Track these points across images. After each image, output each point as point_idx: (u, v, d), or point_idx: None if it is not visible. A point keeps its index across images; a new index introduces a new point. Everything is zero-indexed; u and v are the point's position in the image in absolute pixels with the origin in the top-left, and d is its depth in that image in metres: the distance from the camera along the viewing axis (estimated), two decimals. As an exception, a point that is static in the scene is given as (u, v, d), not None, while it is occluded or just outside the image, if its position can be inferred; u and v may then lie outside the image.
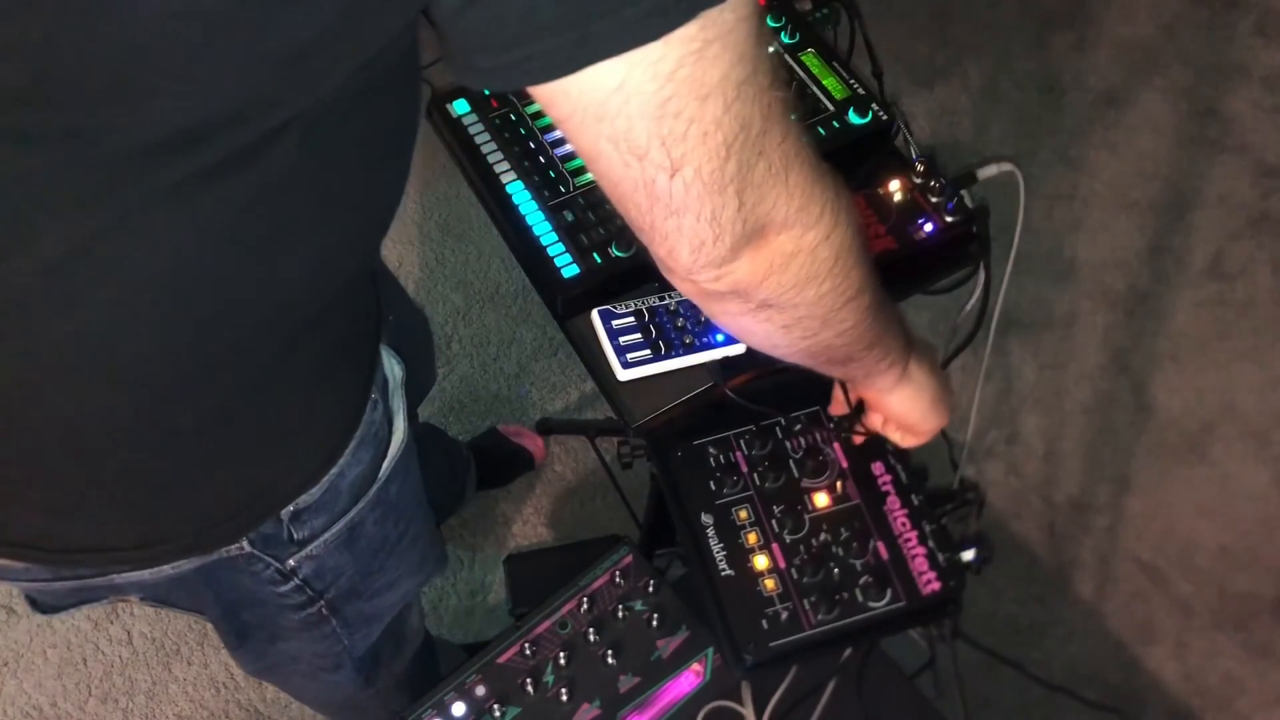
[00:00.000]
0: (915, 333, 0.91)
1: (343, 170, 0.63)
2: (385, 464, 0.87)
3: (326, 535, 0.85)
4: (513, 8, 0.50)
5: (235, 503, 0.79)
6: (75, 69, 0.50)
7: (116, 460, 0.72)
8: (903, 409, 0.93)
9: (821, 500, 1.06)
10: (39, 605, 0.90)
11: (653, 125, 0.53)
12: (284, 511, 0.81)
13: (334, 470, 0.81)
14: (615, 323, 1.05)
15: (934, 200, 1.10)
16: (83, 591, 0.84)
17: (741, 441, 1.10)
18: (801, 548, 1.03)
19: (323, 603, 0.92)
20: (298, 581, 0.87)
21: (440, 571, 1.14)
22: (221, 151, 0.56)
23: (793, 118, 0.59)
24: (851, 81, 1.18)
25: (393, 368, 0.87)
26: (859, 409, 1.05)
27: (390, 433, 0.87)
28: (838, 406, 1.07)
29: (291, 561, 0.85)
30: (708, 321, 1.05)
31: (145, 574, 0.81)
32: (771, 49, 1.11)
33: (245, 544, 0.81)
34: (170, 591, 0.87)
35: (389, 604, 1.04)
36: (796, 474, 1.08)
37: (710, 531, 1.04)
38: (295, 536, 0.83)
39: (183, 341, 0.65)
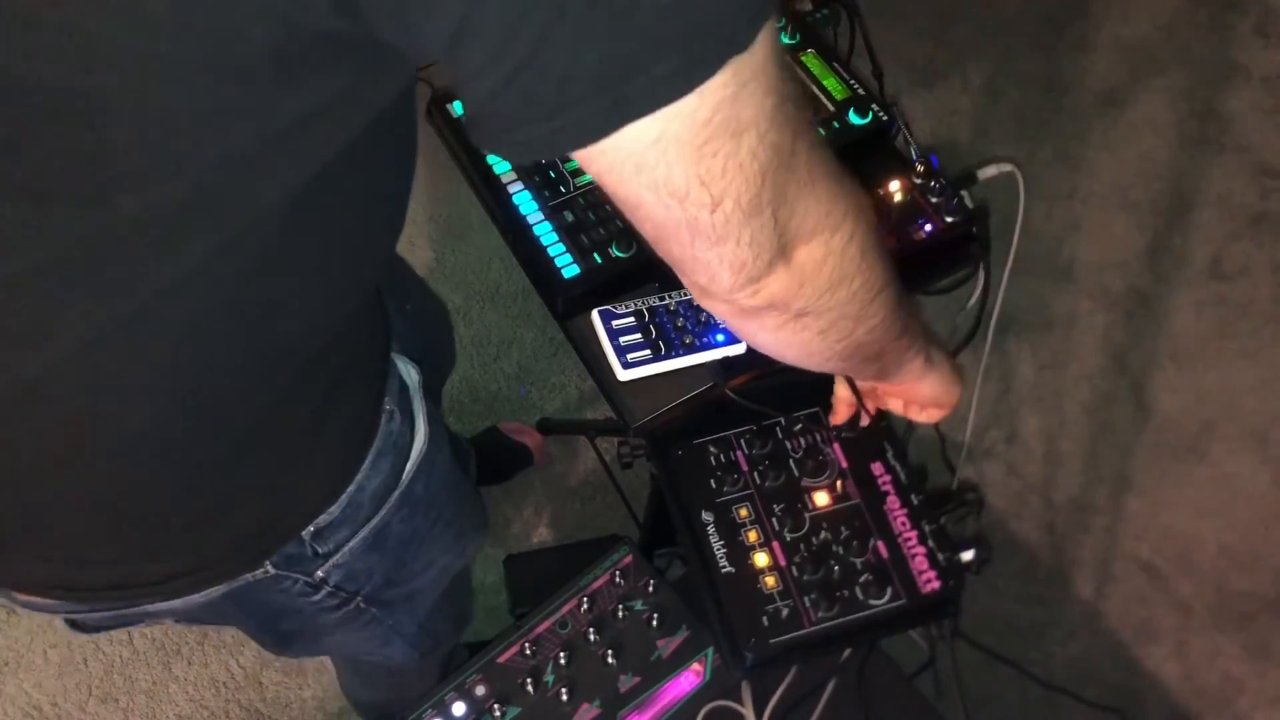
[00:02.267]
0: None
1: (344, 221, 0.65)
2: (408, 468, 0.88)
3: (352, 544, 0.86)
4: (547, 82, 0.50)
5: (252, 534, 0.81)
6: (102, 148, 0.52)
7: (132, 512, 0.74)
8: (935, 390, 0.93)
9: (821, 499, 1.06)
10: (79, 626, 0.91)
11: (692, 169, 0.53)
12: (304, 532, 0.82)
13: (351, 487, 0.82)
14: (615, 323, 1.05)
15: (934, 200, 1.10)
16: (118, 618, 0.86)
17: (742, 441, 1.10)
18: (802, 546, 1.03)
19: (359, 599, 0.93)
20: (330, 589, 0.88)
21: (483, 540, 1.15)
22: (232, 224, 0.57)
23: (813, 126, 0.60)
24: (852, 82, 1.18)
25: (409, 372, 0.88)
26: (859, 404, 1.05)
27: (412, 437, 0.88)
28: (841, 414, 1.07)
29: (320, 573, 0.86)
30: (708, 321, 1.06)
31: (175, 603, 0.82)
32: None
33: (269, 567, 0.83)
34: (204, 614, 0.88)
35: (429, 580, 1.05)
36: (797, 473, 1.08)
37: (711, 529, 1.05)
38: (320, 551, 0.84)
39: (188, 400, 0.67)
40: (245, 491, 0.78)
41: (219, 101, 0.52)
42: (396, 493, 0.87)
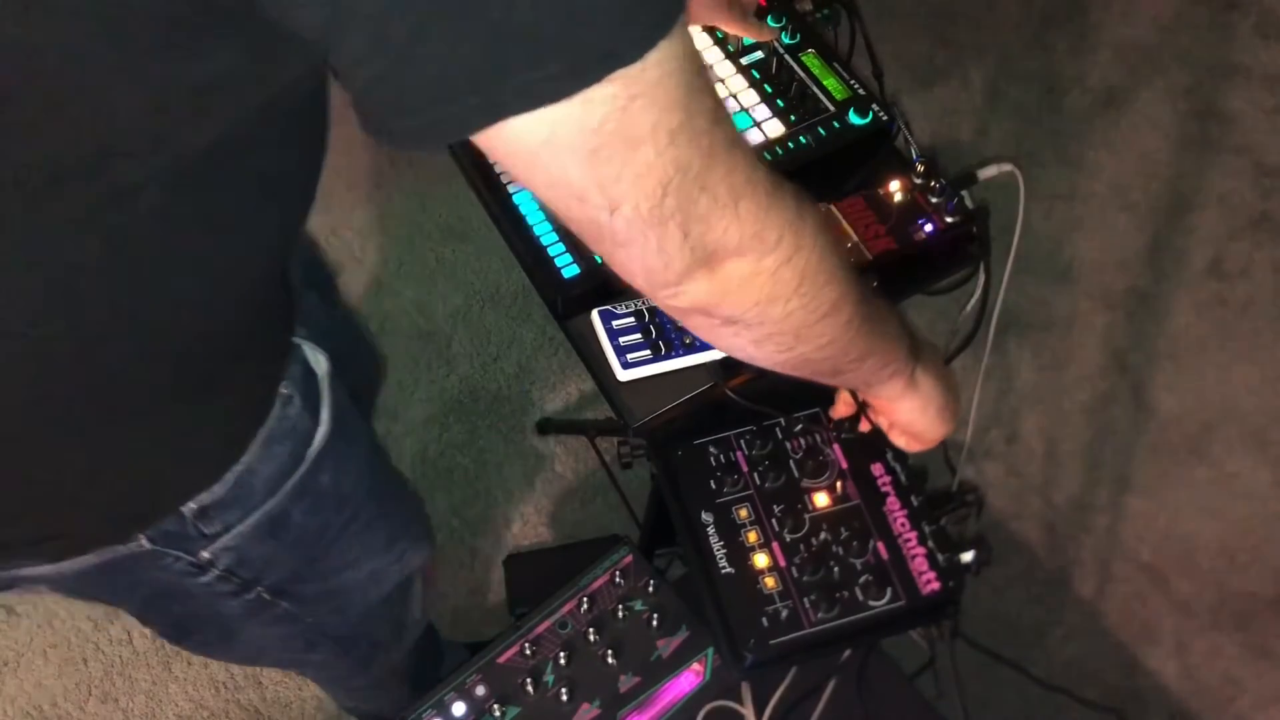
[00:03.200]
0: (922, 338, 0.91)
1: (231, 202, 0.65)
2: (308, 456, 0.86)
3: (240, 528, 0.84)
4: (423, 79, 0.51)
5: (122, 505, 0.79)
6: None
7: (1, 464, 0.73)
8: (909, 417, 0.96)
9: (821, 500, 1.06)
10: None
11: (587, 171, 0.55)
12: (186, 509, 0.81)
13: (238, 468, 0.80)
14: (615, 323, 1.05)
15: (934, 201, 1.10)
16: None
17: (742, 441, 1.10)
18: (801, 546, 1.03)
19: (261, 589, 0.92)
20: (219, 571, 0.87)
21: (422, 551, 1.14)
22: (108, 184, 0.57)
23: (740, 147, 0.61)
24: (852, 82, 1.18)
25: (317, 360, 0.87)
26: (861, 409, 1.05)
27: (315, 425, 0.86)
28: (841, 410, 1.07)
29: (205, 554, 0.85)
30: (708, 321, 1.06)
31: (45, 569, 0.81)
32: (761, 56, 1.10)
33: (145, 541, 0.81)
34: (80, 585, 0.86)
35: (355, 582, 1.03)
36: (797, 474, 1.08)
37: (710, 530, 1.05)
38: (205, 531, 0.83)
39: (65, 361, 0.66)
40: (115, 460, 0.76)
41: (102, 63, 0.52)
42: (292, 480, 0.85)
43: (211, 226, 0.65)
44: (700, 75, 0.57)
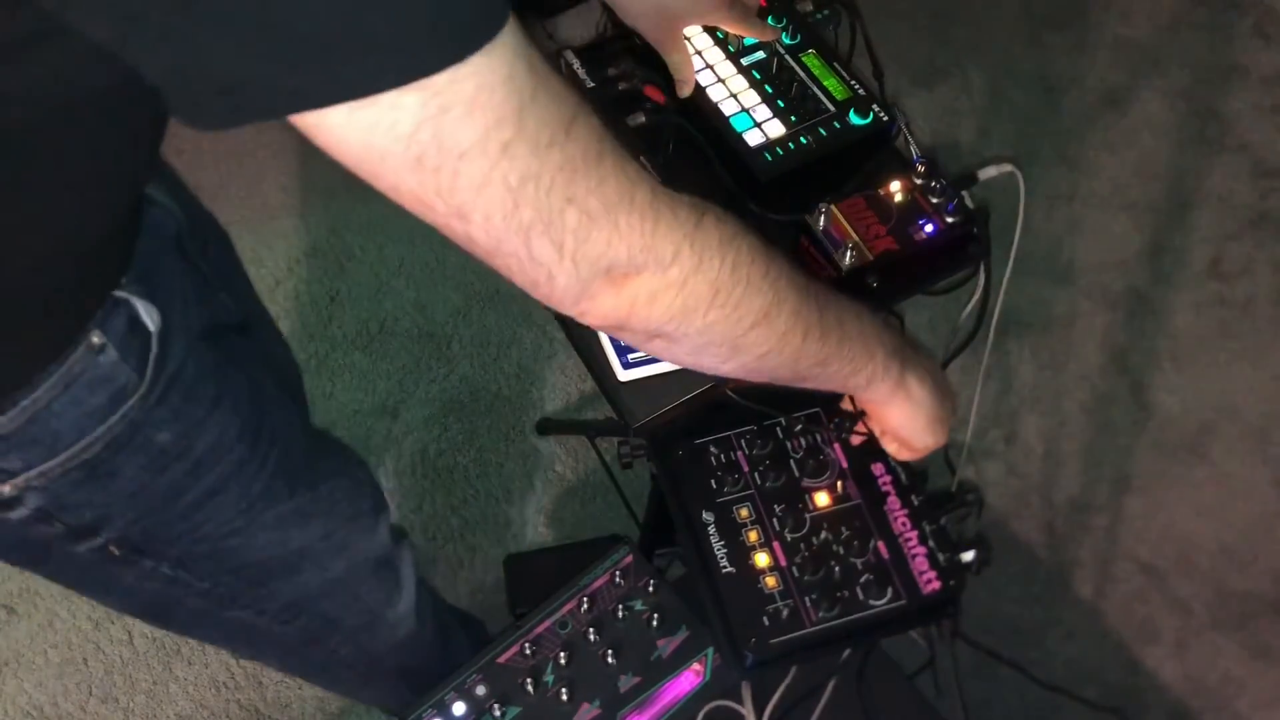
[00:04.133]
0: (919, 348, 0.91)
1: (15, 171, 0.67)
2: (125, 407, 0.86)
3: (45, 467, 0.85)
4: (216, 68, 0.53)
5: None
6: None
7: None
8: (897, 423, 0.96)
9: (822, 500, 1.06)
10: None
11: (418, 178, 0.56)
12: None
13: (27, 404, 0.81)
14: (616, 323, 1.05)
15: (935, 201, 1.10)
16: None
17: (742, 441, 1.10)
18: (802, 546, 1.04)
19: (104, 540, 0.93)
20: (29, 510, 0.87)
21: (367, 534, 1.13)
22: None
23: (612, 160, 0.62)
24: (852, 82, 1.18)
25: (148, 316, 0.87)
26: (860, 412, 1.05)
27: (141, 380, 0.86)
28: (847, 403, 1.07)
29: (6, 488, 0.85)
30: (708, 321, 1.05)
31: None
32: (761, 56, 1.10)
33: None
34: None
35: (275, 557, 1.04)
36: (797, 473, 1.08)
37: (711, 529, 1.05)
38: (1, 466, 0.84)
39: None
40: None
41: None
42: (105, 428, 0.85)
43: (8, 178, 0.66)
44: (542, 88, 0.58)
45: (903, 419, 0.95)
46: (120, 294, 0.85)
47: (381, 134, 0.55)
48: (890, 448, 1.03)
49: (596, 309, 0.66)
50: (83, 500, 0.90)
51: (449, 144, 0.55)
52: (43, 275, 0.80)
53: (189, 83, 0.55)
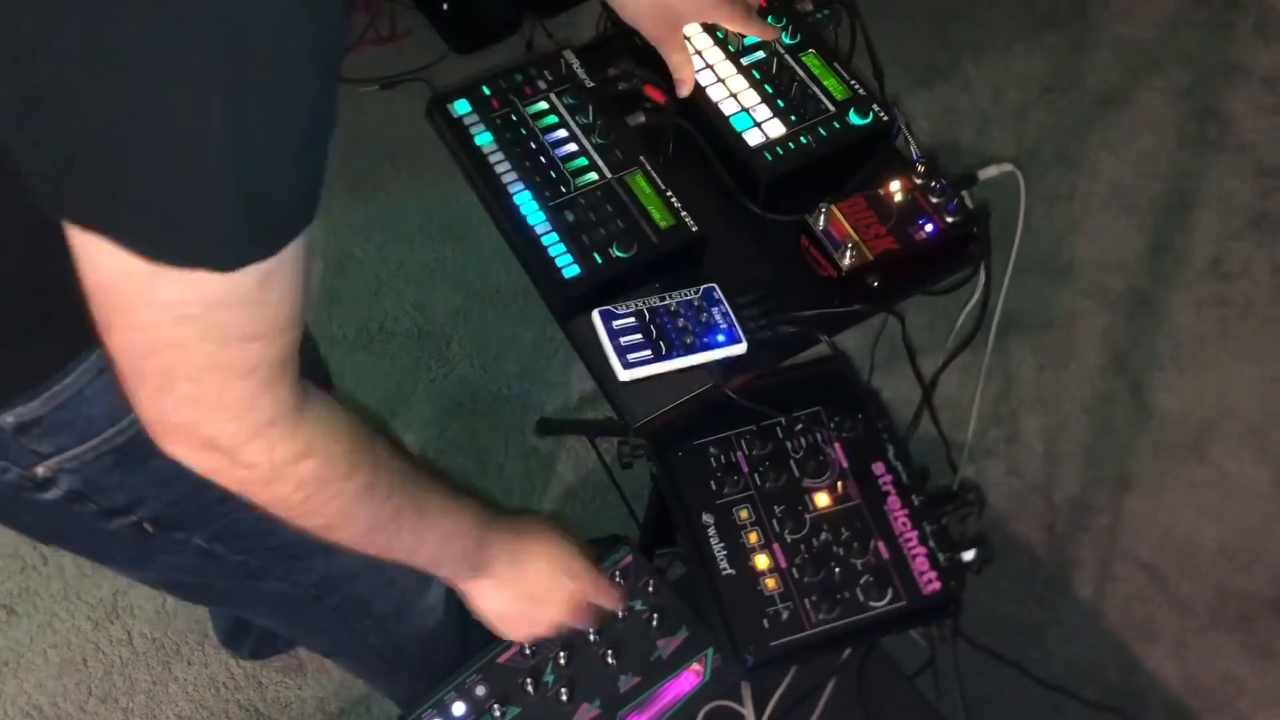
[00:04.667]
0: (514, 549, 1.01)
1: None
2: None
3: (78, 451, 0.87)
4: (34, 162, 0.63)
5: None
6: None
7: None
8: (477, 607, 1.04)
9: (822, 500, 1.06)
10: None
11: (104, 288, 0.65)
12: (3, 421, 0.84)
13: (58, 389, 0.84)
14: (616, 323, 1.05)
15: (935, 201, 1.10)
16: None
17: (742, 441, 1.10)
18: (802, 547, 1.04)
19: (137, 519, 0.95)
20: (62, 491, 0.90)
21: None
22: None
23: (254, 382, 0.70)
24: (852, 82, 1.18)
25: None
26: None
27: None
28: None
29: (41, 470, 0.88)
30: (708, 322, 1.06)
31: None
32: (761, 56, 1.10)
33: None
34: None
35: (304, 538, 1.05)
36: (797, 474, 1.08)
37: (711, 531, 1.05)
38: (33, 449, 0.86)
39: None
40: None
41: None
42: (134, 414, 0.86)
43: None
44: (253, 302, 0.66)
45: (474, 606, 1.04)
46: None
47: (97, 259, 0.63)
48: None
49: (168, 447, 0.74)
50: (115, 484, 0.92)
51: (149, 294, 0.64)
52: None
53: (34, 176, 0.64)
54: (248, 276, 0.64)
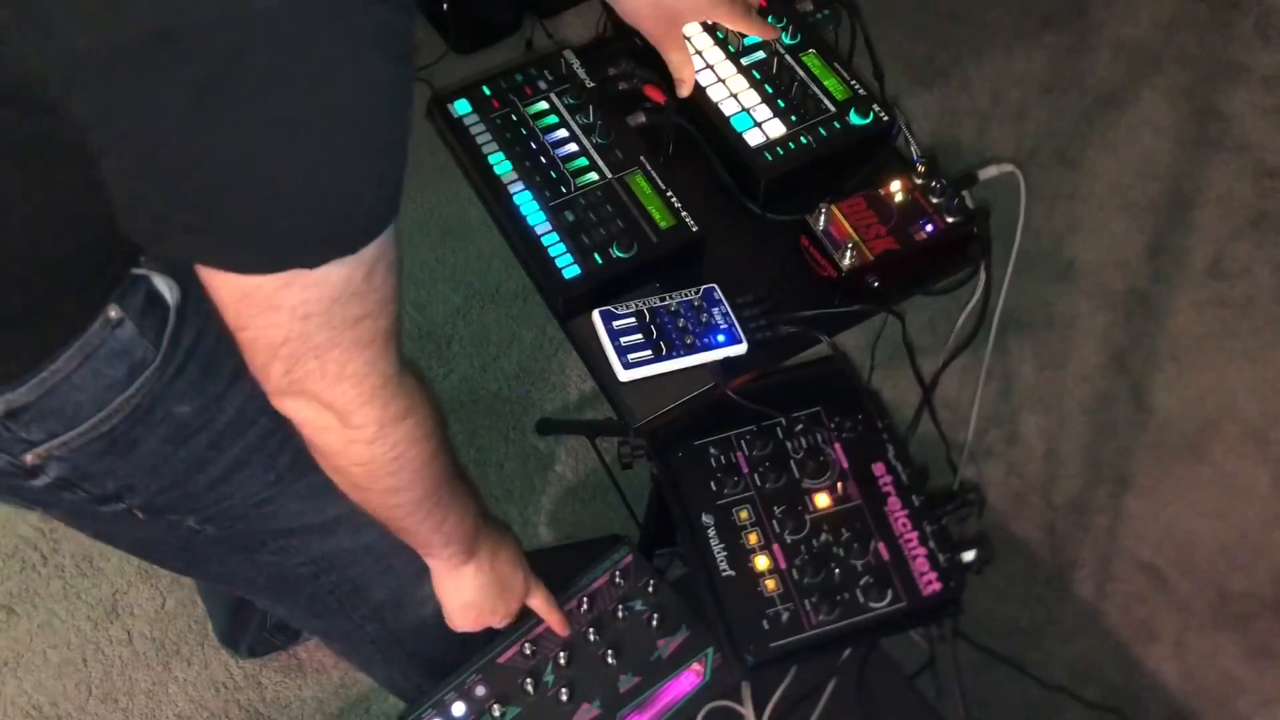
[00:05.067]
0: (502, 546, 1.07)
1: (41, 176, 0.77)
2: (142, 379, 0.90)
3: (66, 438, 0.89)
4: (148, 206, 0.69)
5: None
6: None
7: None
8: (438, 591, 1.09)
9: (822, 501, 1.06)
10: None
11: (232, 303, 0.73)
12: None
13: (46, 375, 0.85)
14: (616, 323, 1.05)
15: (935, 201, 1.10)
16: None
17: (742, 442, 1.10)
18: (802, 548, 1.04)
19: (126, 505, 0.96)
20: (51, 478, 0.92)
21: None
22: None
23: (371, 351, 0.78)
24: (853, 82, 1.18)
25: (165, 291, 0.90)
26: None
27: (155, 354, 0.90)
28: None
29: (30, 458, 0.89)
30: (709, 322, 1.06)
31: None
32: (761, 56, 1.10)
33: None
34: None
35: (302, 524, 1.08)
36: (797, 474, 1.08)
37: (711, 532, 1.05)
38: (22, 436, 0.88)
39: None
40: None
41: None
42: (122, 399, 0.89)
43: (25, 177, 0.76)
44: (363, 290, 0.73)
45: (445, 592, 1.09)
46: (139, 270, 0.88)
47: (231, 283, 0.72)
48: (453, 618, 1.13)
49: (283, 404, 0.81)
50: (104, 470, 0.93)
51: (273, 300, 0.72)
52: (67, 257, 0.84)
53: (124, 201, 0.70)
54: (356, 270, 0.72)
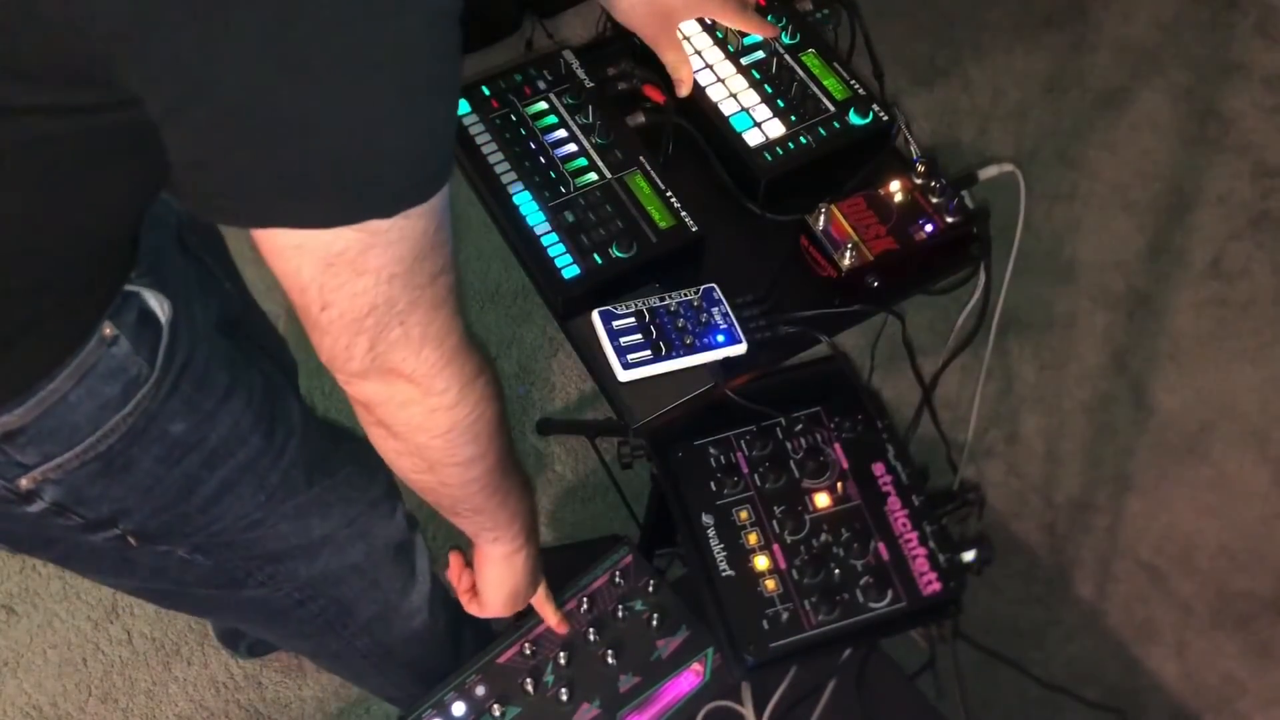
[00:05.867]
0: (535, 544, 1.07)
1: (36, 185, 0.75)
2: (138, 397, 0.88)
3: (62, 460, 0.87)
4: (225, 183, 0.68)
5: None
6: None
7: None
8: (485, 579, 1.08)
9: (822, 501, 1.06)
10: None
11: (316, 276, 0.72)
12: None
13: (44, 395, 0.83)
14: (616, 323, 1.05)
15: (935, 201, 1.10)
16: None
17: (742, 442, 1.10)
18: (802, 548, 1.03)
19: (121, 531, 0.95)
20: (46, 504, 0.90)
21: (379, 520, 1.14)
22: None
23: (448, 308, 0.78)
24: (852, 82, 1.18)
25: (159, 307, 0.89)
26: None
27: (150, 371, 0.89)
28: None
29: (24, 482, 0.87)
30: (708, 322, 1.06)
31: None
32: (761, 56, 1.11)
33: None
34: None
35: (290, 546, 1.06)
36: (797, 474, 1.08)
37: (711, 532, 1.05)
38: (19, 460, 0.86)
39: None
40: None
41: None
42: (119, 418, 0.87)
43: (20, 193, 0.75)
44: (437, 243, 0.74)
45: (492, 579, 1.08)
46: (131, 287, 0.87)
47: (314, 245, 0.70)
48: (464, 598, 1.13)
49: (362, 388, 0.81)
50: (99, 494, 0.91)
51: (356, 265, 0.71)
52: (61, 274, 0.82)
53: (194, 174, 0.69)
54: (430, 221, 0.72)
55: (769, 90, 1.18)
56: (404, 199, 0.70)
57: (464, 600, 1.13)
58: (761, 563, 1.03)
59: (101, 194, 0.78)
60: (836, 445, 1.09)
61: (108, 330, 0.85)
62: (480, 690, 1.09)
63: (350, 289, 0.72)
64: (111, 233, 0.84)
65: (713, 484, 1.07)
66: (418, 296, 0.75)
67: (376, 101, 0.66)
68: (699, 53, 1.20)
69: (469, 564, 1.12)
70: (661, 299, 1.07)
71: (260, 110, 0.64)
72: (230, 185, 0.69)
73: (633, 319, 1.06)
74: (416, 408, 0.82)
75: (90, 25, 0.62)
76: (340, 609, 1.18)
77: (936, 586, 1.01)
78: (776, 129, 1.15)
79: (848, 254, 1.06)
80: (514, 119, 1.16)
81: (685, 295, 1.07)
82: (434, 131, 0.71)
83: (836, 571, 1.02)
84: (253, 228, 0.70)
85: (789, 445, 1.09)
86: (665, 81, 1.19)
